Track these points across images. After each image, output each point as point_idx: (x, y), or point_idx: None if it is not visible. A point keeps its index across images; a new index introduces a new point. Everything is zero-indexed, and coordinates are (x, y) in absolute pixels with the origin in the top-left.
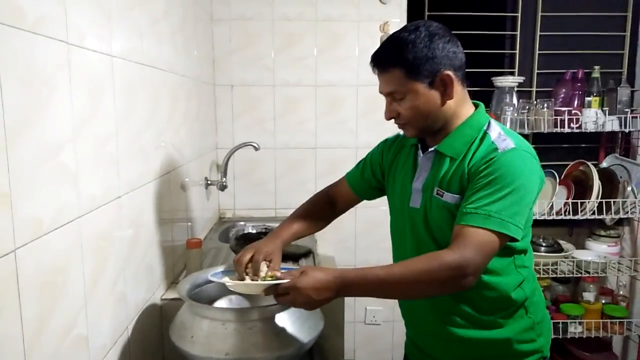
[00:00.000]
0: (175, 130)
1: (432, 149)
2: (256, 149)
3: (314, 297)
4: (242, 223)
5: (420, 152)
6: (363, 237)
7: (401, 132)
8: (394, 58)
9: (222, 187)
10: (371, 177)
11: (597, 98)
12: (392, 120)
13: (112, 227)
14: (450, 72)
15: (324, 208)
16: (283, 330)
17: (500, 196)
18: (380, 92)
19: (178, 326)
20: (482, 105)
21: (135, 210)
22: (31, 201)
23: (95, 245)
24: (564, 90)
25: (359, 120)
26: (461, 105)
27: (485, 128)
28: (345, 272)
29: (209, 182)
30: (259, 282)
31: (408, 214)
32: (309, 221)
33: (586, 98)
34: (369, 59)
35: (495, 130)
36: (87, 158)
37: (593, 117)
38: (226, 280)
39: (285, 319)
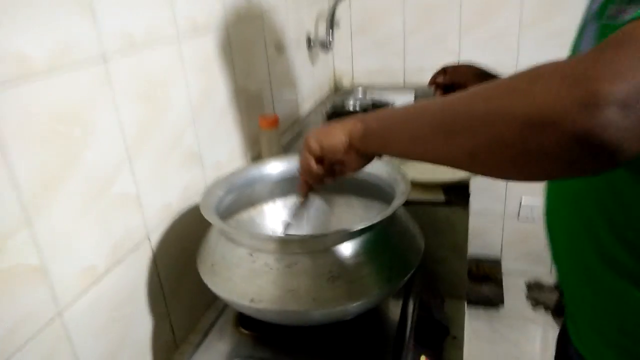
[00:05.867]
0: None
1: None
2: None
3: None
4: (360, 96)
5: None
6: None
7: None
8: None
9: (327, 44)
10: None
11: None
12: None
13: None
14: None
15: None
16: (344, 271)
17: None
18: None
19: (204, 245)
20: None
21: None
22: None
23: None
24: None
25: None
26: None
27: None
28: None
29: (311, 38)
30: None
31: None
32: None
33: None
34: None
35: None
36: None
37: None
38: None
39: (350, 249)
